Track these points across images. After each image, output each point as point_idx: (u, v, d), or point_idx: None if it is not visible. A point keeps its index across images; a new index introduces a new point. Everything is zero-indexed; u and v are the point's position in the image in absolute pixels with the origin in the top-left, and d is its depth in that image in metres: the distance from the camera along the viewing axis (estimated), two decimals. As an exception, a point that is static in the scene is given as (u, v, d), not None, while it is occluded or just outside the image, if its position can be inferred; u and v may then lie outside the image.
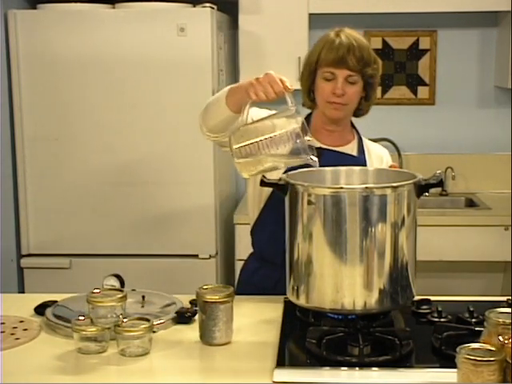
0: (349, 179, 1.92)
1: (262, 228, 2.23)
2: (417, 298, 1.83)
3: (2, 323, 1.86)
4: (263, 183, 1.83)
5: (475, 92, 3.97)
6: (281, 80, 1.86)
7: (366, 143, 2.28)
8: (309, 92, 2.19)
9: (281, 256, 1.99)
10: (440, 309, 1.87)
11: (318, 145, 2.15)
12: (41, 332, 1.83)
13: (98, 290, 1.79)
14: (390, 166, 2.12)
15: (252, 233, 2.27)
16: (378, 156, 2.27)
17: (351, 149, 2.23)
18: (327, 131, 2.21)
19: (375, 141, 3.99)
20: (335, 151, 2.19)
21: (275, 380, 1.54)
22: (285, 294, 1.85)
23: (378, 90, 3.90)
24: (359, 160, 2.19)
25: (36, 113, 3.34)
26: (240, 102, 1.92)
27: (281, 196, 1.80)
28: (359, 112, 2.24)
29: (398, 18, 3.84)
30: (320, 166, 1.94)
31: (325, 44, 2.12)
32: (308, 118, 2.24)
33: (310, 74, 2.16)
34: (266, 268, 2.21)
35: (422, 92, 3.97)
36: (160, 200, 3.35)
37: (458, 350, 1.42)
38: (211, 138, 2.10)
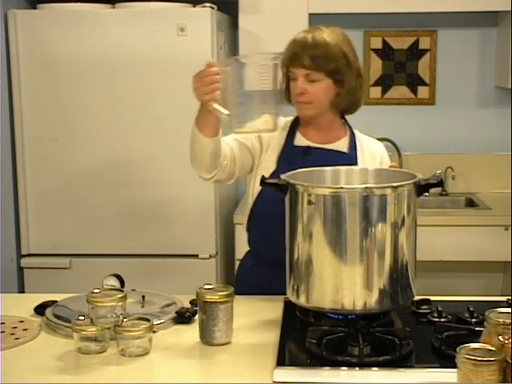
0: (349, 179, 1.92)
1: (255, 225, 2.23)
2: (417, 298, 1.84)
3: (2, 323, 1.86)
4: (263, 183, 1.84)
5: (475, 92, 3.97)
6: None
7: (360, 139, 2.26)
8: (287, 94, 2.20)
9: (275, 254, 1.99)
10: (440, 309, 1.87)
11: (307, 143, 2.18)
12: (41, 332, 1.83)
13: (97, 290, 1.79)
14: (390, 166, 2.12)
15: (247, 230, 2.28)
16: (371, 151, 2.24)
17: (342, 145, 2.21)
18: (314, 129, 2.21)
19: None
20: (323, 149, 2.18)
21: (275, 380, 1.54)
22: (280, 291, 1.85)
23: (378, 89, 3.95)
24: (350, 156, 2.18)
25: (36, 113, 3.34)
26: (209, 123, 1.98)
27: (271, 192, 1.81)
28: (343, 109, 2.21)
29: (398, 18, 3.84)
30: (309, 164, 1.97)
31: (288, 44, 2.16)
32: (297, 118, 2.24)
33: (283, 76, 2.16)
34: (261, 265, 2.21)
35: (422, 92, 3.97)
36: (160, 200, 3.35)
37: (457, 350, 1.42)
38: (212, 179, 2.15)
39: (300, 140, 2.20)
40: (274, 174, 2.10)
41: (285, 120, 2.26)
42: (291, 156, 2.16)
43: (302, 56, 2.09)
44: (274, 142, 2.19)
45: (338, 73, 2.11)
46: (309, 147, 2.17)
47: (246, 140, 2.18)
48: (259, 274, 2.21)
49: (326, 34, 2.11)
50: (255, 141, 2.19)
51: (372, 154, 2.23)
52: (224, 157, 2.11)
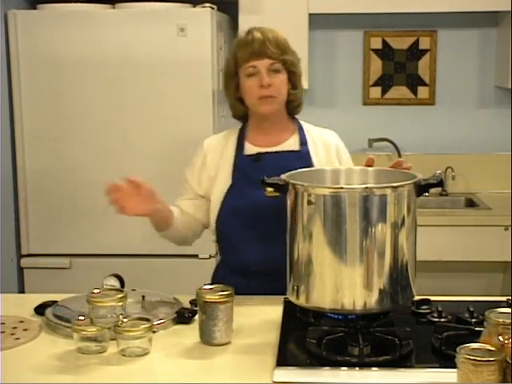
0: (349, 179, 1.92)
1: (223, 238, 2.22)
2: (417, 298, 1.83)
3: (2, 323, 1.86)
4: (263, 183, 1.83)
5: (475, 92, 3.97)
6: None
7: (310, 132, 2.22)
8: (238, 99, 2.18)
9: (247, 266, 2.08)
10: (440, 309, 1.87)
11: (257, 150, 2.16)
12: (41, 332, 1.83)
13: (97, 290, 1.80)
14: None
15: (217, 241, 2.27)
16: (325, 143, 2.20)
17: (292, 144, 2.18)
18: (264, 131, 2.18)
19: (376, 141, 4.01)
20: (273, 152, 2.16)
21: (275, 380, 1.54)
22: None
23: (378, 90, 3.95)
24: (302, 153, 2.15)
25: (36, 112, 3.34)
26: (156, 222, 2.28)
27: (235, 202, 1.91)
28: (292, 105, 2.19)
29: (398, 18, 3.84)
30: (262, 170, 1.96)
31: (238, 44, 2.13)
32: (243, 128, 2.22)
33: (232, 79, 2.14)
34: (234, 277, 2.12)
35: (422, 92, 3.97)
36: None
37: (457, 350, 1.42)
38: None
39: (250, 149, 2.17)
40: (232, 189, 2.13)
41: (219, 137, 2.25)
42: (244, 166, 2.14)
43: (265, 47, 2.08)
44: (224, 160, 2.17)
45: (293, 64, 2.14)
46: (259, 154, 2.15)
47: (195, 190, 2.24)
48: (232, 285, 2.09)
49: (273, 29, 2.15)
50: (199, 184, 2.23)
51: (326, 145, 2.20)
52: (189, 225, 2.23)
